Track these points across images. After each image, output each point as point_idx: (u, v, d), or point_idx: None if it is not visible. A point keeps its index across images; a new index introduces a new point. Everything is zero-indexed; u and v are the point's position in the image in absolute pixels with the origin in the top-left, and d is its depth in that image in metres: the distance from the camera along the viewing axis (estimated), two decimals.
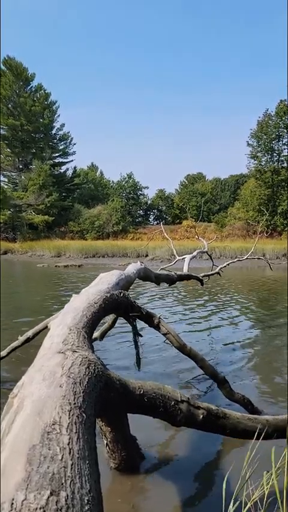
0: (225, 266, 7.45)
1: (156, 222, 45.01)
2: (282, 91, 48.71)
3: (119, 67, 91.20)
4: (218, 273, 6.95)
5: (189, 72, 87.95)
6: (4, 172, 39.40)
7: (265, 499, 1.35)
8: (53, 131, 41.20)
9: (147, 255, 23.30)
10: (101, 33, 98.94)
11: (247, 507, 1.30)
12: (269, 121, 31.99)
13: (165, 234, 9.73)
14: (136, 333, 2.78)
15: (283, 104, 31.28)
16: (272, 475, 1.40)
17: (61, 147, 42.07)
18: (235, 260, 8.10)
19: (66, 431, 0.93)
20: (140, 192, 45.06)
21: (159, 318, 2.81)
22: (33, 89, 39.10)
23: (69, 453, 0.85)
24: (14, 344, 3.37)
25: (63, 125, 41.27)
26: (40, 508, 0.68)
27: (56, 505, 0.70)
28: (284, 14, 68.18)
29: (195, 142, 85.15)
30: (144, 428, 2.49)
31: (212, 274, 6.84)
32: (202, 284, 6.23)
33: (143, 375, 3.46)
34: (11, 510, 0.68)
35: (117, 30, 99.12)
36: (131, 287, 3.51)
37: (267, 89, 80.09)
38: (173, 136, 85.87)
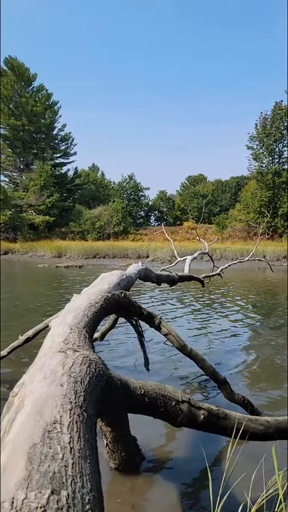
0: (226, 267, 7.45)
1: (157, 223, 45.09)
2: (280, 94, 48.74)
3: (119, 71, 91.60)
4: (219, 274, 6.94)
5: (189, 75, 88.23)
6: (5, 172, 39.45)
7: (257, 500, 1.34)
8: (54, 132, 41.26)
9: (148, 256, 23.28)
10: (102, 37, 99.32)
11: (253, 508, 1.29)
12: (270, 123, 32.01)
13: (166, 235, 9.73)
14: (139, 333, 2.77)
15: (284, 107, 31.32)
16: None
17: (62, 147, 42.11)
18: (236, 261, 8.11)
19: (67, 430, 0.92)
20: (141, 193, 45.20)
21: (160, 318, 2.80)
22: (35, 90, 39.15)
23: (70, 452, 0.85)
24: (14, 343, 3.36)
25: (64, 125, 41.37)
26: (41, 507, 0.67)
27: (57, 504, 0.69)
28: (284, 17, 68.21)
29: (196, 144, 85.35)
30: (145, 429, 2.48)
31: (213, 276, 6.84)
32: (203, 285, 6.23)
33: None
34: (12, 509, 0.67)
35: (118, 35, 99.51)
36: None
37: (267, 92, 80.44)
38: (174, 137, 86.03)
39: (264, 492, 1.35)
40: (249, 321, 6.70)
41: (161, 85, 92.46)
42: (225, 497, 1.34)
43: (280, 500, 1.34)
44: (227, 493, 1.37)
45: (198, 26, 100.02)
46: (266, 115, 32.40)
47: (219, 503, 1.32)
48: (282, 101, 31.67)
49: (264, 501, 1.35)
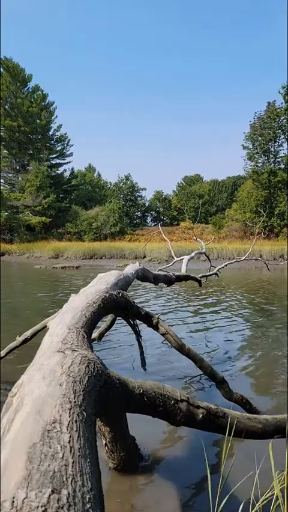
0: (223, 267, 7.46)
1: (153, 224, 45.14)
2: (276, 95, 48.68)
3: (119, 71, 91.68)
4: (216, 273, 6.95)
5: (189, 75, 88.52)
6: (1, 174, 39.31)
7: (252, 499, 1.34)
8: (50, 133, 41.19)
9: (144, 257, 23.29)
10: (101, 39, 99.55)
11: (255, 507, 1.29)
12: (263, 123, 32.06)
13: (163, 235, 9.74)
14: (137, 333, 2.77)
15: (278, 107, 31.41)
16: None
17: (58, 148, 42.04)
18: (233, 261, 8.12)
19: (67, 429, 0.92)
20: (137, 194, 45.19)
21: (158, 318, 2.80)
22: (31, 90, 39.07)
23: (70, 451, 0.84)
24: (13, 344, 3.35)
25: (60, 126, 41.32)
26: (41, 506, 0.67)
27: (58, 503, 0.69)
28: (284, 18, 68.44)
29: (195, 144, 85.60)
30: (143, 428, 2.48)
31: (210, 275, 6.85)
32: (200, 285, 6.24)
33: None
34: (12, 508, 0.67)
35: (118, 35, 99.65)
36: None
37: (267, 92, 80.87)
38: (173, 137, 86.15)
39: (268, 491, 1.35)
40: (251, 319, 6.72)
41: (161, 85, 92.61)
42: (225, 498, 1.34)
43: (277, 497, 1.34)
44: (228, 494, 1.37)
45: (198, 26, 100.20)
46: (260, 115, 32.48)
47: (219, 503, 1.32)
48: (275, 101, 31.79)
49: (264, 502, 1.35)
